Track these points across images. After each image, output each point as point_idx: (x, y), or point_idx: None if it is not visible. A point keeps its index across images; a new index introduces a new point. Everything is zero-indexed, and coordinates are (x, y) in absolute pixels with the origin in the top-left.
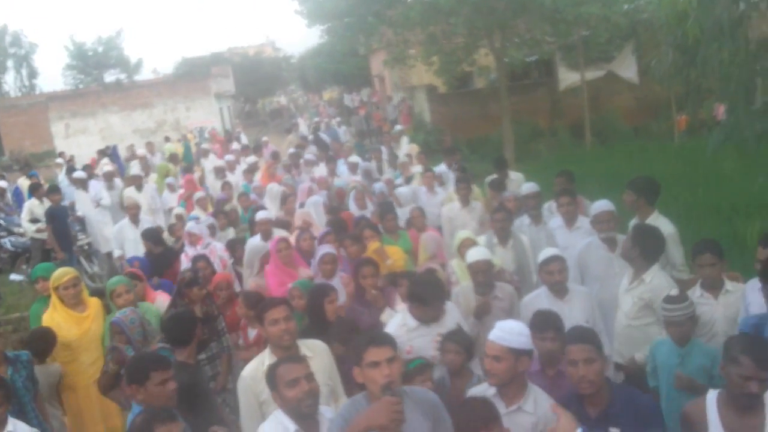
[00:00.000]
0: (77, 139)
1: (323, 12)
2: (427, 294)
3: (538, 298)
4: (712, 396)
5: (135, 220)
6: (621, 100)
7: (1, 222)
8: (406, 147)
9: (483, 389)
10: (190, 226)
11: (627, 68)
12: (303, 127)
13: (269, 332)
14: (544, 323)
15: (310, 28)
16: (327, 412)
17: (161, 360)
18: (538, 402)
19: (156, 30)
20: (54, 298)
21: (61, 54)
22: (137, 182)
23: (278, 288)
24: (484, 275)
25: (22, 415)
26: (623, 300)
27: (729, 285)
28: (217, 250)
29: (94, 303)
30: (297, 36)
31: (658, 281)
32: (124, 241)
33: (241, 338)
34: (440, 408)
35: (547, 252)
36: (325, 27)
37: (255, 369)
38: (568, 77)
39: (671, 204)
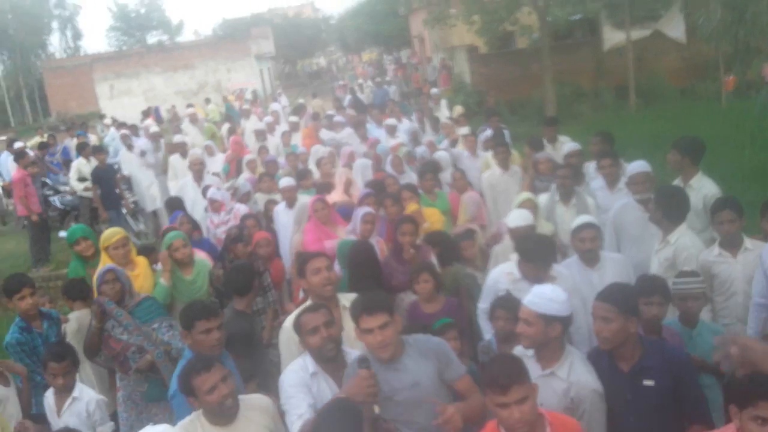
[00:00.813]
0: (121, 101)
1: None
2: (532, 252)
3: (570, 266)
4: None
5: (198, 177)
6: (667, 60)
7: (49, 181)
8: (445, 110)
9: (522, 351)
10: (211, 192)
11: (674, 27)
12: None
13: (311, 282)
14: (650, 288)
15: None
16: (353, 353)
17: (208, 309)
18: (573, 369)
19: None
20: (104, 257)
21: (105, 16)
22: (181, 150)
23: (314, 244)
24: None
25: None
26: (652, 263)
27: (748, 243)
28: (241, 212)
29: (141, 262)
30: None
31: (682, 241)
32: (185, 199)
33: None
34: (446, 352)
35: (580, 219)
36: None
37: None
38: (613, 37)
39: (717, 166)
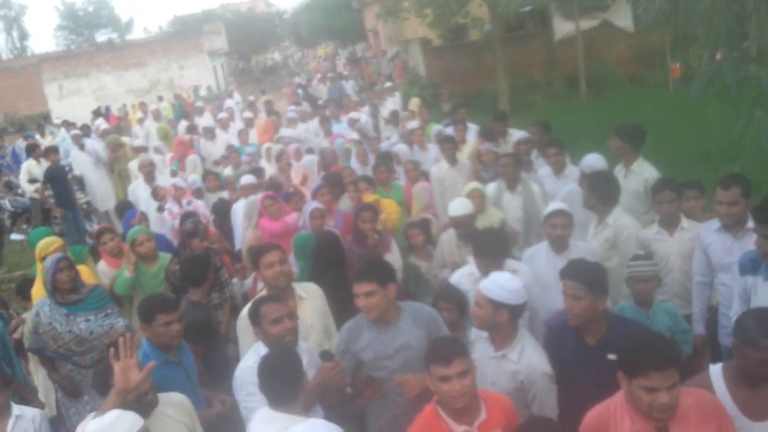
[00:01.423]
0: (71, 100)
1: None
2: (486, 248)
3: (538, 252)
4: (716, 370)
5: (150, 179)
6: (616, 49)
7: None
8: (390, 104)
9: (477, 332)
10: (176, 180)
11: (622, 17)
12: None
13: (265, 275)
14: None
15: None
16: (303, 346)
17: (168, 302)
18: (524, 353)
19: None
20: (39, 267)
21: (52, 15)
22: (142, 152)
23: (271, 239)
24: (464, 228)
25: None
26: (591, 244)
27: (685, 222)
28: (199, 207)
29: (82, 268)
30: None
31: (621, 221)
32: (137, 200)
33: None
34: (436, 321)
35: (553, 206)
36: None
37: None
38: (563, 27)
39: (665, 150)
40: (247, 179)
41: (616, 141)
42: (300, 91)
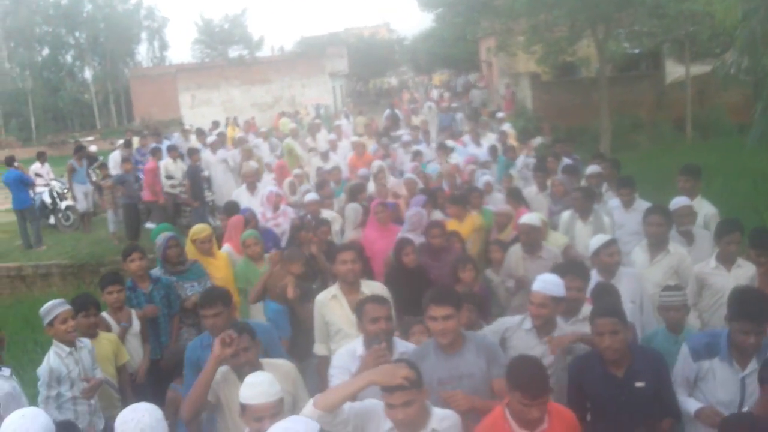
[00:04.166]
0: (201, 110)
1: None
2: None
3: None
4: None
5: (252, 188)
6: (728, 96)
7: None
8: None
9: (517, 322)
10: (274, 189)
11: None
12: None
13: (339, 270)
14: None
15: (423, 11)
16: (400, 344)
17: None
18: (564, 332)
19: (278, 9)
20: (190, 248)
21: (190, 29)
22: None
23: (376, 241)
24: (527, 236)
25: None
26: (650, 274)
27: (740, 261)
28: (289, 212)
29: (221, 254)
30: (412, 18)
31: (679, 250)
32: (240, 204)
33: None
34: (496, 351)
35: (603, 237)
36: (437, 12)
37: (324, 296)
38: (675, 71)
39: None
40: (311, 197)
41: (683, 180)
42: (387, 110)
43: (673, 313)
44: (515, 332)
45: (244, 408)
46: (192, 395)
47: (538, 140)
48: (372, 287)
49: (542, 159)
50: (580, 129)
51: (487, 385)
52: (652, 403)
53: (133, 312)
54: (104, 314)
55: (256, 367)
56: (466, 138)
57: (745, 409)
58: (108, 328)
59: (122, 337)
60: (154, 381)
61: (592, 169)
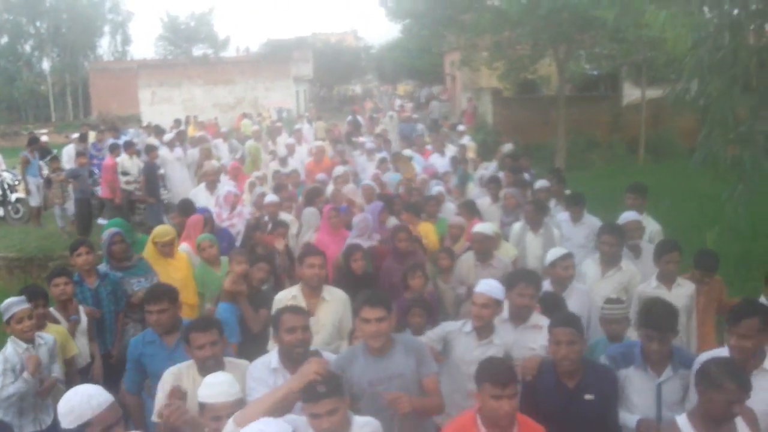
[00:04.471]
0: (161, 107)
1: (401, 9)
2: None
3: None
4: (682, 419)
5: (211, 187)
6: (681, 120)
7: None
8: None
9: (459, 326)
10: (231, 188)
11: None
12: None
13: (305, 273)
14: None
15: (390, 21)
16: (325, 355)
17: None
18: (499, 335)
19: (245, 10)
20: (150, 247)
21: (155, 25)
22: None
23: (328, 246)
24: (480, 245)
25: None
26: (600, 287)
27: (680, 279)
28: (244, 213)
29: (181, 256)
30: (379, 27)
31: (631, 268)
32: (197, 203)
33: None
34: (424, 350)
35: (560, 250)
36: (404, 23)
37: (284, 295)
38: (632, 93)
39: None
40: (271, 198)
41: (631, 197)
42: (349, 117)
43: (615, 326)
44: (457, 336)
45: (202, 407)
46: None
47: (508, 147)
48: (333, 293)
49: (513, 166)
50: (537, 145)
51: (416, 385)
52: (601, 416)
53: (81, 308)
54: (52, 309)
55: (220, 364)
56: (430, 148)
57: (661, 416)
58: (56, 323)
59: (72, 331)
60: (104, 376)
61: (541, 183)
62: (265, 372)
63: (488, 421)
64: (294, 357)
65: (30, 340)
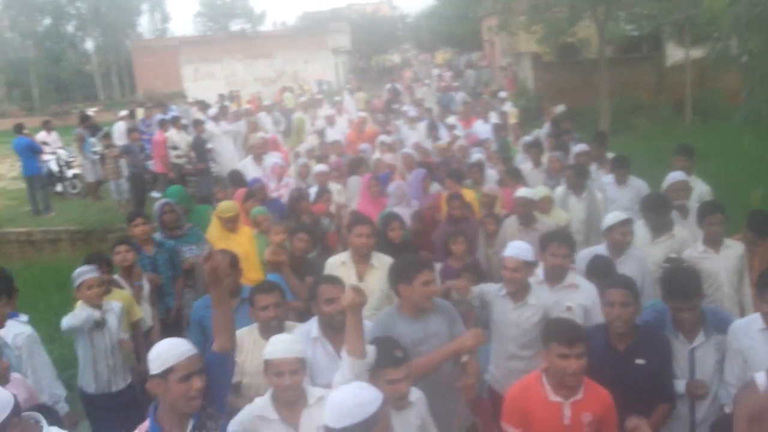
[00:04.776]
0: (204, 83)
1: None
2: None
3: (595, 253)
4: (761, 377)
5: (258, 159)
6: (728, 79)
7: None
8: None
9: (496, 289)
10: (277, 160)
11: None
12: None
13: (354, 242)
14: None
15: None
16: (368, 324)
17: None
18: (539, 297)
19: None
20: (216, 222)
21: (192, 2)
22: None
23: (369, 214)
24: (523, 209)
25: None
26: (650, 252)
27: (727, 241)
28: (291, 184)
29: (245, 230)
30: None
31: (683, 234)
32: (246, 175)
33: None
34: (452, 309)
35: (619, 215)
36: None
37: (335, 260)
38: (676, 53)
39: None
40: (320, 168)
41: (679, 159)
42: (389, 85)
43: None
44: (494, 299)
45: (267, 363)
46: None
47: (560, 108)
48: (381, 260)
49: (555, 130)
50: (580, 110)
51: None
52: (649, 383)
53: (144, 275)
54: (116, 276)
55: (281, 327)
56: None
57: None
58: (121, 289)
59: (137, 296)
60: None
61: (580, 147)
62: (305, 341)
63: (555, 380)
64: (335, 326)
65: (98, 306)
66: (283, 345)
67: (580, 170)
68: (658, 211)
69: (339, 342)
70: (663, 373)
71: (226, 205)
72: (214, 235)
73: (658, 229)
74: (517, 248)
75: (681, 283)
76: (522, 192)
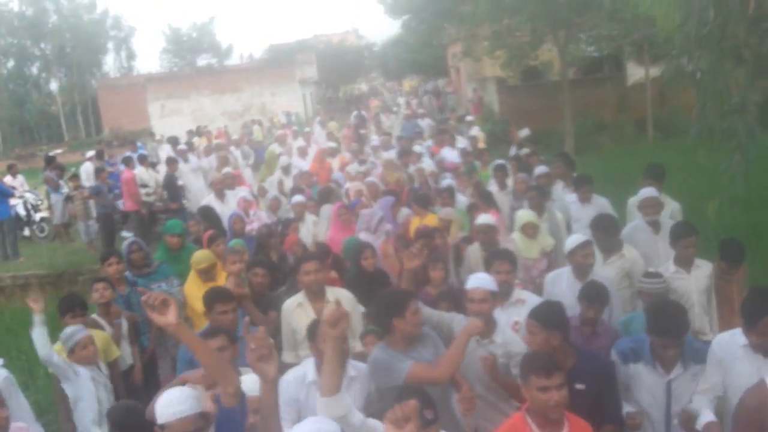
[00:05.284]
0: (171, 119)
1: (400, 6)
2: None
3: (560, 277)
4: None
5: (220, 195)
6: (687, 96)
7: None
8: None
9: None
10: (245, 194)
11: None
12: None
13: (303, 281)
14: (582, 293)
15: (390, 18)
16: (354, 369)
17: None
18: (505, 334)
19: (246, 16)
20: (193, 274)
21: (158, 38)
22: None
23: (336, 243)
24: (485, 236)
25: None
26: (602, 272)
27: (697, 261)
28: (262, 217)
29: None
30: (380, 24)
31: (632, 254)
32: None
33: None
34: (432, 333)
35: (579, 237)
36: (403, 19)
37: (290, 303)
38: (636, 73)
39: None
40: (297, 198)
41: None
42: (355, 112)
43: (656, 300)
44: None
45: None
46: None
47: (525, 132)
48: (336, 293)
49: (517, 155)
50: (545, 131)
51: None
52: (592, 406)
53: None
54: (94, 316)
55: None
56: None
57: (672, 412)
58: (99, 328)
59: (118, 335)
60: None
61: (541, 169)
62: (299, 389)
63: (539, 418)
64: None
65: (95, 364)
66: (173, 408)
67: (542, 191)
68: (607, 231)
69: None
70: (606, 398)
71: (200, 256)
72: (192, 292)
73: (608, 249)
74: (480, 279)
75: (670, 320)
76: (482, 218)
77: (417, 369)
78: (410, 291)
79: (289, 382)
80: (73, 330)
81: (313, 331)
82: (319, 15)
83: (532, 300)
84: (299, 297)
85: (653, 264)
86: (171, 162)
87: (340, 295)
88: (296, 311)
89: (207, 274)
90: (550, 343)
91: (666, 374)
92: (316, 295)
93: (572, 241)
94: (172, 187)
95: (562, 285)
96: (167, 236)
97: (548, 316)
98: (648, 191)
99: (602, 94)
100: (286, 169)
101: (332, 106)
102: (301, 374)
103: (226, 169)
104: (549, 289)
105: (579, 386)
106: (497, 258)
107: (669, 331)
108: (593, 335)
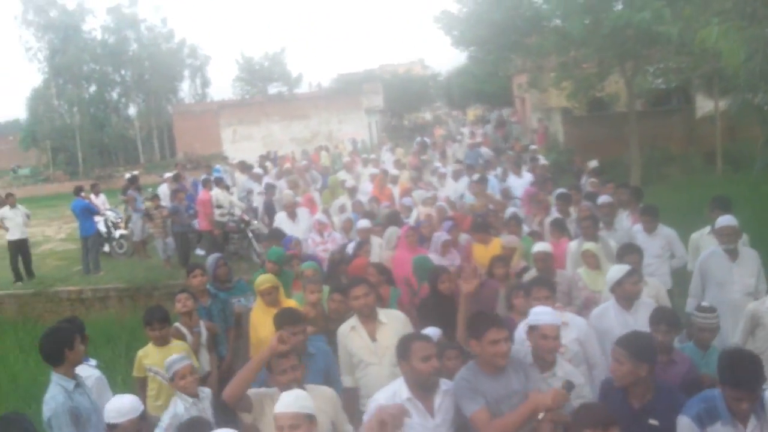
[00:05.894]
0: (242, 145)
1: (466, 38)
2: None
3: (606, 311)
4: None
5: (292, 215)
6: (758, 129)
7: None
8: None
9: (521, 355)
10: (319, 216)
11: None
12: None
13: (354, 306)
14: (658, 318)
15: (456, 49)
16: (445, 384)
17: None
18: (564, 367)
19: (316, 47)
20: (258, 300)
21: (232, 67)
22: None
23: (403, 263)
24: (542, 263)
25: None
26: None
27: None
28: (336, 239)
29: (290, 303)
30: (445, 55)
31: (655, 283)
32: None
33: None
34: (525, 364)
35: (623, 267)
36: (469, 50)
37: (345, 328)
38: (705, 105)
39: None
40: (363, 223)
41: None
42: (418, 138)
43: (707, 334)
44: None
45: (275, 420)
46: (239, 378)
47: (593, 163)
48: (389, 315)
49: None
50: (610, 162)
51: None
52: None
53: (201, 322)
54: (177, 324)
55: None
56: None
57: None
58: (183, 337)
59: (197, 343)
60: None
61: (604, 198)
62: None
63: None
64: (428, 386)
65: (195, 394)
66: (288, 399)
67: (594, 220)
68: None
69: (429, 402)
70: None
71: (262, 278)
72: (257, 318)
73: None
74: (550, 314)
75: (746, 372)
76: (539, 246)
77: (478, 416)
78: (498, 318)
79: (379, 401)
80: (174, 359)
81: (405, 351)
82: (386, 46)
83: (575, 320)
84: (353, 321)
85: (728, 292)
86: (269, 189)
87: (391, 316)
88: (350, 334)
89: (269, 296)
90: (637, 374)
91: (744, 428)
92: (369, 318)
93: (617, 271)
94: (271, 213)
95: (610, 318)
96: (267, 262)
97: (639, 347)
98: (726, 219)
99: (670, 126)
100: (352, 192)
101: (397, 133)
102: (393, 393)
103: (287, 192)
104: (596, 325)
105: (653, 422)
106: (534, 284)
107: (745, 383)
108: (670, 363)
